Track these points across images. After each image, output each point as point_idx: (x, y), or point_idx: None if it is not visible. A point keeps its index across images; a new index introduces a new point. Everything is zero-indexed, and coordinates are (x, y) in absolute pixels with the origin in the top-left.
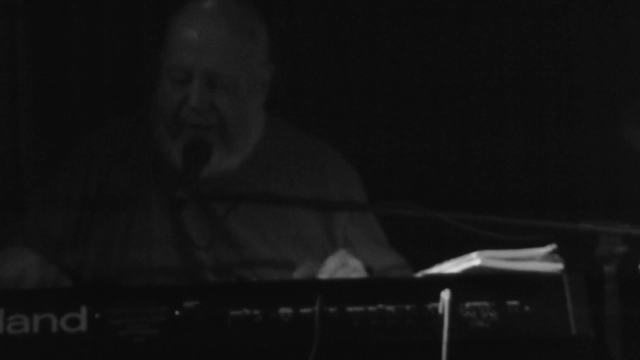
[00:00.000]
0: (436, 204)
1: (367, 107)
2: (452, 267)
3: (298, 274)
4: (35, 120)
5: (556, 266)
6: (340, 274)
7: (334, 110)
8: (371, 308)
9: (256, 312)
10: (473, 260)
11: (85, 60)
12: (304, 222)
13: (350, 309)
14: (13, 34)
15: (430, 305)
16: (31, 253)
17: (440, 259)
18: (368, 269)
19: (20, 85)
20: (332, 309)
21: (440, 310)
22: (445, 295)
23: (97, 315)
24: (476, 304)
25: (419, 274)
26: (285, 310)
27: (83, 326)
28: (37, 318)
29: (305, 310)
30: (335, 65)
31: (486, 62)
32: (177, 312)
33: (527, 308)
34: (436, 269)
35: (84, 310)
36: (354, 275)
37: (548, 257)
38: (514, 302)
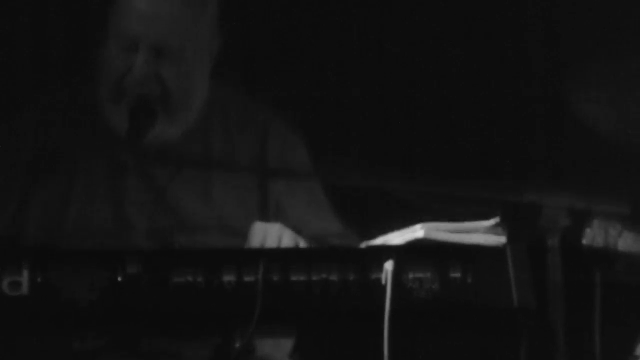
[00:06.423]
0: (382, 173)
1: (314, 72)
2: (396, 238)
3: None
4: None
5: (499, 239)
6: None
7: (281, 75)
8: (315, 277)
9: (199, 279)
10: (417, 231)
11: (30, 29)
12: (244, 186)
13: (293, 277)
14: None
15: (374, 276)
16: None
17: (385, 231)
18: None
19: None
20: (275, 277)
21: (383, 281)
22: (389, 265)
23: (39, 279)
24: (419, 274)
25: (363, 245)
26: (228, 278)
27: (25, 290)
28: None
29: (248, 278)
30: (281, 26)
31: (432, 25)
32: (119, 278)
33: (469, 279)
34: (380, 240)
35: (25, 274)
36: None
37: (491, 230)
38: (457, 274)
